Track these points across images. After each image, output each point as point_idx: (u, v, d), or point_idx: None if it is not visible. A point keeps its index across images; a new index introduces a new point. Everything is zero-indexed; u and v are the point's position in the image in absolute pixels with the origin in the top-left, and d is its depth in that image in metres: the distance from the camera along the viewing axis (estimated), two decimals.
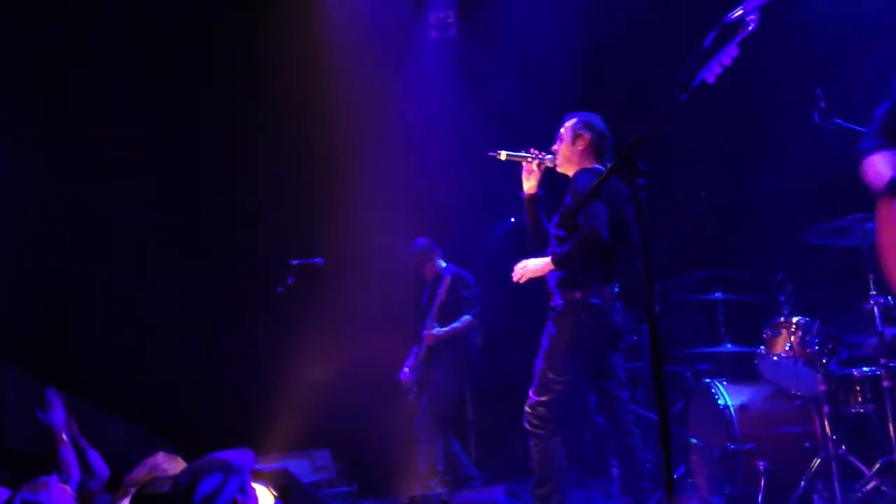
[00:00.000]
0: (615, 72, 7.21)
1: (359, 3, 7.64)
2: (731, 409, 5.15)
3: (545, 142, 4.88)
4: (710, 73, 2.73)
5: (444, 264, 6.84)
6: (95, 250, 7.27)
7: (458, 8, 8.15)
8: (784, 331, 5.06)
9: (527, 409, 4.59)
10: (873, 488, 4.55)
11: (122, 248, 7.34)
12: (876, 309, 4.59)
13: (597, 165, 4.70)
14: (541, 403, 4.54)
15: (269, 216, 7.52)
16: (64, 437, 4.09)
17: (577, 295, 4.53)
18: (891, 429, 4.49)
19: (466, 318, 6.56)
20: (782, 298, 5.17)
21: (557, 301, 4.61)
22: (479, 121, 7.93)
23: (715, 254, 6.51)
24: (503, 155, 4.75)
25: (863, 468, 4.66)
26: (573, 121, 4.81)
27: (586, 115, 4.85)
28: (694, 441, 5.50)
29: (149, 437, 7.04)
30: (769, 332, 5.15)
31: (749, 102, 5.80)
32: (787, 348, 4.99)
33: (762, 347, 5.18)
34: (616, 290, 4.62)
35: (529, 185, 4.80)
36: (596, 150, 4.74)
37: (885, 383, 4.56)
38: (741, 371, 5.81)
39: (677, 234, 6.28)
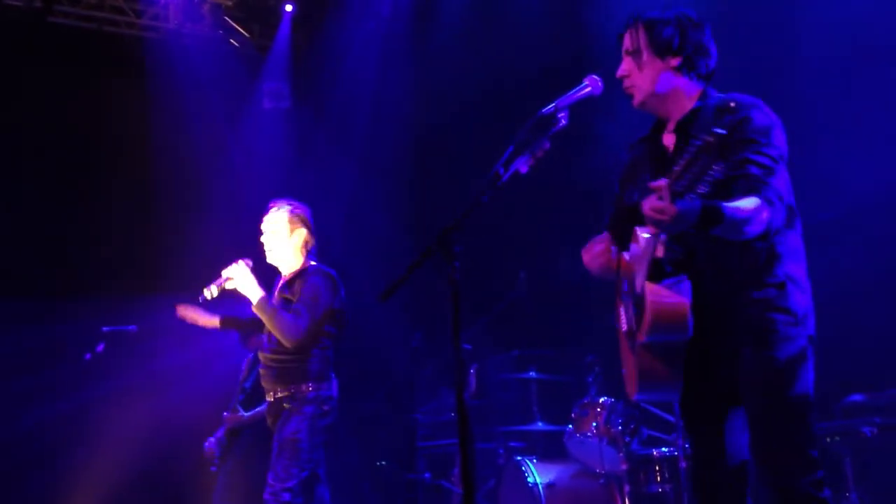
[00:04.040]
0: (443, 150, 7.43)
1: (193, 70, 7.56)
2: (540, 486, 5.28)
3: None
4: (524, 164, 2.87)
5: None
6: None
7: (293, 79, 8.21)
8: (591, 411, 5.27)
9: (268, 496, 4.54)
10: None
11: None
12: None
13: (315, 263, 4.84)
14: (285, 489, 4.52)
15: (83, 280, 7.20)
16: None
17: (311, 387, 4.68)
18: None
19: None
20: (590, 379, 5.39)
21: (292, 392, 4.69)
22: (311, 191, 7.96)
23: (531, 334, 6.71)
24: (214, 291, 4.72)
25: None
26: (284, 210, 4.86)
27: (297, 204, 4.93)
28: None
29: None
30: (577, 412, 5.35)
31: (565, 186, 6.07)
32: (593, 428, 5.19)
33: (571, 426, 5.36)
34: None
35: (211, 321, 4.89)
36: (308, 243, 4.88)
37: (682, 463, 4.81)
38: (552, 449, 5.96)
39: (496, 314, 6.44)
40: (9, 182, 6.91)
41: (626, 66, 3.03)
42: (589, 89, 2.92)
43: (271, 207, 4.90)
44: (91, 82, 7.12)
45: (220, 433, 6.38)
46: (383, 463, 7.46)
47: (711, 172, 2.29)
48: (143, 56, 7.46)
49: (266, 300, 4.60)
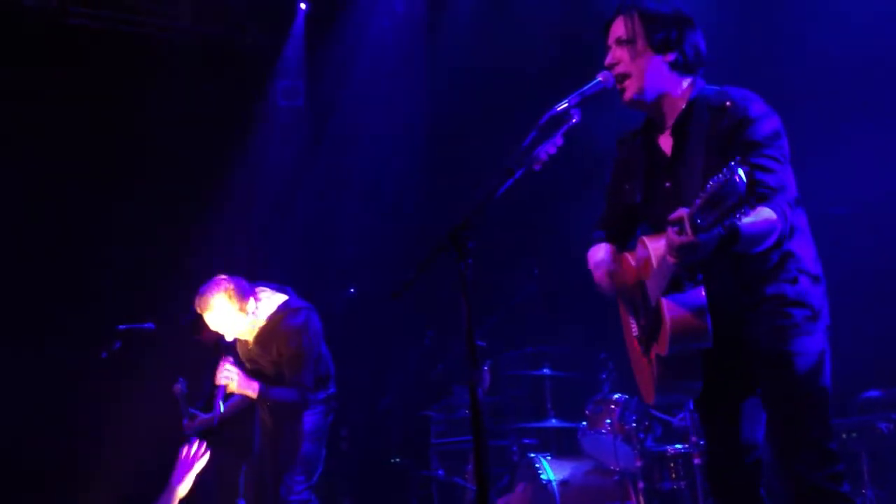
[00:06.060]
0: (454, 147, 7.43)
1: (207, 69, 7.58)
2: (554, 483, 5.28)
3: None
4: (537, 162, 2.85)
5: None
6: None
7: (307, 77, 8.23)
8: (605, 407, 5.26)
9: (294, 498, 4.89)
10: None
11: None
12: None
13: (275, 309, 4.98)
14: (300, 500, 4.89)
15: (98, 278, 7.21)
16: None
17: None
18: None
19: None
20: (603, 376, 5.38)
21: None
22: (324, 188, 7.99)
23: (545, 330, 6.70)
24: (221, 406, 4.86)
25: None
26: (219, 293, 4.82)
27: (222, 283, 4.87)
28: None
29: None
30: (591, 409, 5.35)
31: (579, 181, 6.05)
32: (607, 424, 5.19)
33: (585, 423, 5.35)
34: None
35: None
36: (252, 303, 4.93)
37: (696, 460, 4.79)
38: (565, 445, 5.96)
39: (509, 310, 6.44)
40: (18, 181, 6.93)
41: (619, 54, 2.90)
42: (602, 85, 2.90)
43: (199, 302, 4.86)
44: (104, 82, 7.12)
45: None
46: (397, 460, 7.46)
47: (741, 213, 2.22)
48: (158, 55, 7.47)
49: (264, 390, 4.83)
